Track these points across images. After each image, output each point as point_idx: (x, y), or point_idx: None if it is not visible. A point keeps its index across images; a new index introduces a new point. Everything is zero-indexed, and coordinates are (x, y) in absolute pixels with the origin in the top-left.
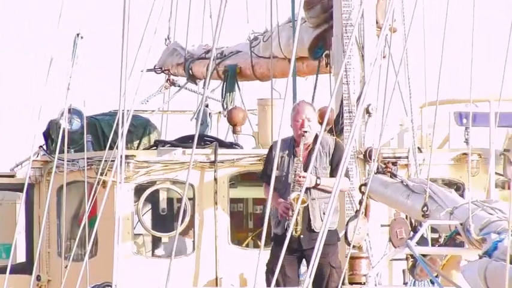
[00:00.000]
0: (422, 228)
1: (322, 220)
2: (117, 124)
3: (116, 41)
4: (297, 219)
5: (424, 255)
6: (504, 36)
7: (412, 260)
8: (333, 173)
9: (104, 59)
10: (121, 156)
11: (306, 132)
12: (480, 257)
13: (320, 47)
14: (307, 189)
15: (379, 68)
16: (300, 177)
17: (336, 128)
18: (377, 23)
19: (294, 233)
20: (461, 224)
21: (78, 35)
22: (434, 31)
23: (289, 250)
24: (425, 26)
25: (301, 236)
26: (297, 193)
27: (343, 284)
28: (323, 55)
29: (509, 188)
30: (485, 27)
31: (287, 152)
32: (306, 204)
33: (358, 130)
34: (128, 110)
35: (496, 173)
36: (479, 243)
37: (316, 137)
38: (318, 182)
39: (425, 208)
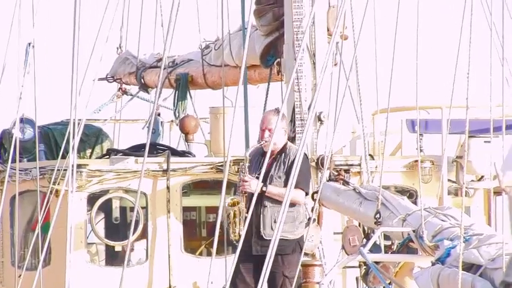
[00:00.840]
0: (374, 235)
1: (272, 229)
2: (69, 133)
3: (68, 50)
4: (234, 223)
5: (377, 263)
6: (455, 43)
7: (365, 267)
8: (287, 183)
9: (56, 68)
10: (72, 166)
11: (265, 142)
12: (433, 264)
13: (272, 55)
14: (260, 196)
15: (331, 76)
16: (243, 181)
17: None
18: (328, 30)
19: (232, 237)
20: (414, 231)
21: (29, 44)
22: (385, 38)
23: (245, 256)
24: (376, 33)
25: (253, 241)
26: (232, 198)
27: None
28: (274, 63)
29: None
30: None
31: (256, 159)
32: (237, 207)
33: (310, 138)
34: (79, 120)
35: (449, 180)
36: (432, 250)
37: (285, 146)
38: (264, 189)
39: (377, 215)
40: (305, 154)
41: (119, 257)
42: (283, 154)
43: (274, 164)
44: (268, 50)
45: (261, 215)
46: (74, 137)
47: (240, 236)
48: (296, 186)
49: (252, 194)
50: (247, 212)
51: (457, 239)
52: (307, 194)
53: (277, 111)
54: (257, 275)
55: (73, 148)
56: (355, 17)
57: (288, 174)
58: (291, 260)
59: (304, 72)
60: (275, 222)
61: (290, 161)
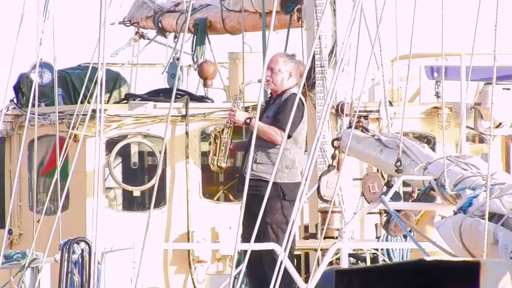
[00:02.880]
0: (396, 183)
1: (253, 169)
2: (89, 78)
3: None
4: (214, 151)
5: (397, 211)
6: None
7: (385, 215)
8: (272, 123)
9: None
10: (99, 111)
11: (266, 81)
12: (455, 213)
13: (292, 1)
14: (251, 134)
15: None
16: (231, 111)
17: (308, 82)
18: None
19: (211, 165)
20: (435, 180)
21: None
22: None
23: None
24: None
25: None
26: (216, 126)
27: (315, 237)
28: (295, 9)
29: (480, 142)
30: None
31: (267, 100)
32: (218, 132)
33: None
34: (101, 64)
35: (467, 127)
36: (454, 199)
37: (286, 90)
38: (248, 121)
39: (398, 163)
40: (301, 99)
41: (137, 201)
42: (282, 97)
43: (271, 105)
44: None
45: (246, 153)
46: (101, 82)
47: (219, 167)
48: (276, 125)
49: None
50: (231, 144)
51: (479, 188)
52: (289, 137)
53: (289, 54)
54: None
55: (101, 90)
56: None
57: (275, 114)
58: (273, 205)
59: (324, 19)
60: (255, 162)
61: (281, 102)
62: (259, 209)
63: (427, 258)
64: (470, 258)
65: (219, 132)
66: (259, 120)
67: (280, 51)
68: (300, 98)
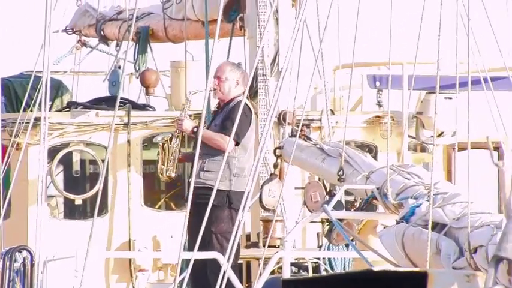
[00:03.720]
0: (338, 192)
1: (200, 177)
2: (32, 86)
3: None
4: (162, 160)
5: (340, 220)
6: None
7: (327, 224)
8: (219, 131)
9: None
10: (44, 118)
11: (213, 89)
12: (397, 222)
13: (234, 10)
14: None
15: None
16: (178, 120)
17: (250, 90)
18: None
19: (160, 175)
20: (377, 189)
21: None
22: None
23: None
24: None
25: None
26: (162, 136)
27: (257, 246)
28: (237, 18)
29: (422, 151)
30: None
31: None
32: (166, 141)
33: (272, 93)
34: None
35: (409, 136)
36: (396, 208)
37: (234, 98)
38: (195, 130)
39: (341, 172)
40: (246, 105)
41: (79, 210)
42: (229, 105)
43: (219, 113)
44: (231, 5)
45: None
46: (45, 91)
47: (168, 177)
48: (223, 132)
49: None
50: (180, 153)
51: (421, 197)
52: (237, 144)
53: (235, 63)
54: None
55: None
56: None
57: (222, 121)
58: (218, 214)
59: (267, 28)
60: (203, 170)
61: (228, 110)
62: (202, 218)
63: (375, 269)
64: (417, 269)
65: (167, 141)
66: (208, 129)
67: (223, 59)
68: (248, 105)
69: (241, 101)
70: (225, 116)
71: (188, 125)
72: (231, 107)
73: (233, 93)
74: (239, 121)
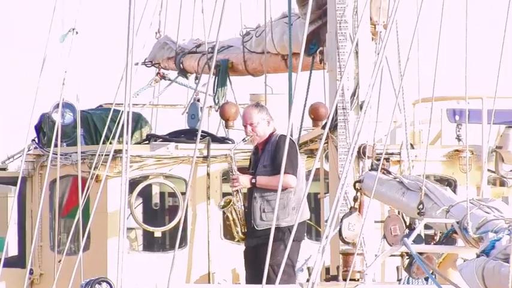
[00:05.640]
0: (418, 226)
1: (262, 219)
2: (111, 118)
3: (107, 35)
4: (234, 222)
5: (420, 253)
6: (499, 33)
7: (408, 257)
8: (273, 171)
9: (95, 54)
10: (126, 151)
11: (250, 137)
12: (477, 256)
13: (314, 44)
14: (250, 190)
15: (374, 65)
16: (232, 179)
17: (330, 124)
18: (371, 19)
19: (236, 236)
20: (457, 223)
21: (73, 29)
22: (429, 27)
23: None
24: (419, 21)
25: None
26: (224, 199)
27: (336, 280)
28: (317, 51)
29: (501, 185)
30: (480, 24)
31: (254, 150)
32: (231, 206)
33: (353, 127)
34: (128, 105)
35: (488, 170)
36: (476, 241)
37: (271, 135)
38: (254, 181)
39: (421, 206)
40: (291, 139)
41: (158, 242)
42: (269, 143)
43: (262, 155)
44: (311, 39)
45: (251, 207)
46: (127, 123)
47: (244, 234)
48: (276, 171)
49: (246, 190)
50: (245, 209)
51: (501, 231)
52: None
53: (256, 104)
54: (250, 267)
55: (127, 131)
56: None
57: (273, 160)
58: (276, 247)
59: (347, 61)
60: (264, 212)
61: (273, 148)
62: (263, 254)
63: None
64: None
65: (228, 202)
66: (255, 173)
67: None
68: (291, 138)
69: (282, 135)
70: (272, 156)
71: (245, 180)
72: (273, 143)
73: (268, 131)
74: (289, 155)
